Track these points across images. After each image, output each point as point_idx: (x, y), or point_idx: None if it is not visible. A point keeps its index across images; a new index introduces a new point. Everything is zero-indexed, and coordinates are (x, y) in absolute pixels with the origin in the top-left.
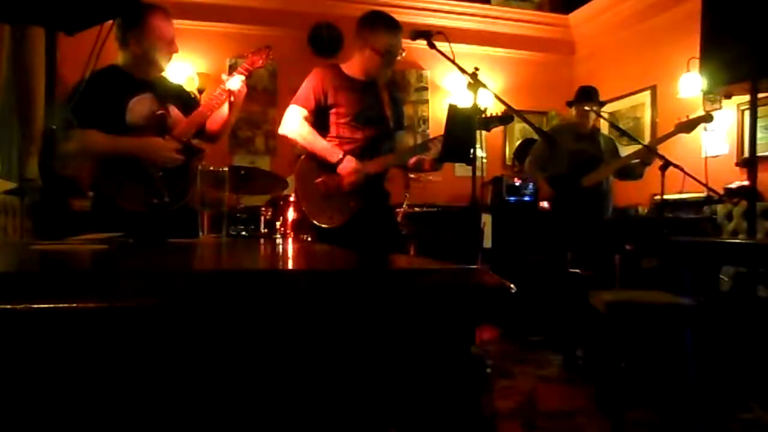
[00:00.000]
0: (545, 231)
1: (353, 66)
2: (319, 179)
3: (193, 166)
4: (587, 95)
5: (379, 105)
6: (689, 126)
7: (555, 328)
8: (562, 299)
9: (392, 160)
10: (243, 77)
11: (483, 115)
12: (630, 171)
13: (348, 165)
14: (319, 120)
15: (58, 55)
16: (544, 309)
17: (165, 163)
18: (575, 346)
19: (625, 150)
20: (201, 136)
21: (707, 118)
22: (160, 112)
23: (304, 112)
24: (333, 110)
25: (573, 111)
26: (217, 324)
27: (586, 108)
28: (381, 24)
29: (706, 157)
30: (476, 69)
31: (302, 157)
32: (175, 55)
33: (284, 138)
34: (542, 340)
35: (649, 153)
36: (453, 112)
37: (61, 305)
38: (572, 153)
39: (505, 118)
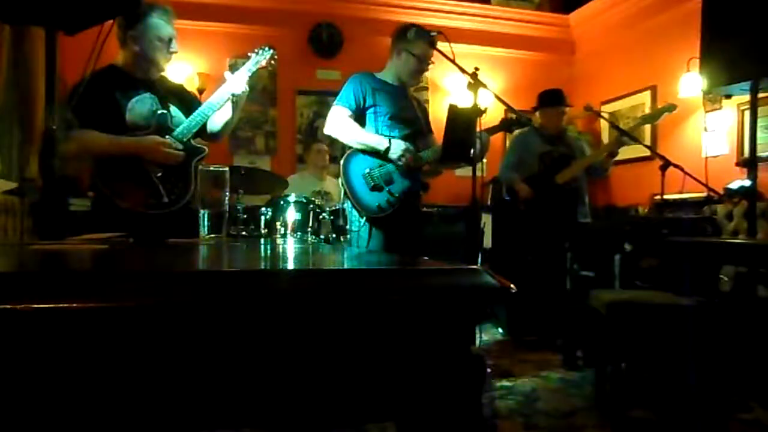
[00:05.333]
0: (523, 231)
1: (387, 73)
2: (367, 171)
3: (193, 166)
4: (554, 99)
5: (411, 107)
6: (653, 117)
7: (555, 328)
8: (563, 299)
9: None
10: (246, 78)
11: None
12: (597, 167)
13: (398, 146)
14: (357, 121)
15: (58, 55)
16: (544, 309)
17: (165, 160)
18: (575, 346)
19: (625, 150)
20: (203, 135)
21: (670, 107)
22: (160, 111)
23: (348, 112)
24: (371, 110)
25: (537, 115)
26: (218, 323)
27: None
28: (421, 33)
29: (706, 157)
30: (476, 69)
31: (348, 152)
32: (175, 55)
33: (330, 137)
34: (542, 340)
35: (616, 143)
36: (453, 113)
37: (61, 305)
38: (542, 155)
39: (520, 122)
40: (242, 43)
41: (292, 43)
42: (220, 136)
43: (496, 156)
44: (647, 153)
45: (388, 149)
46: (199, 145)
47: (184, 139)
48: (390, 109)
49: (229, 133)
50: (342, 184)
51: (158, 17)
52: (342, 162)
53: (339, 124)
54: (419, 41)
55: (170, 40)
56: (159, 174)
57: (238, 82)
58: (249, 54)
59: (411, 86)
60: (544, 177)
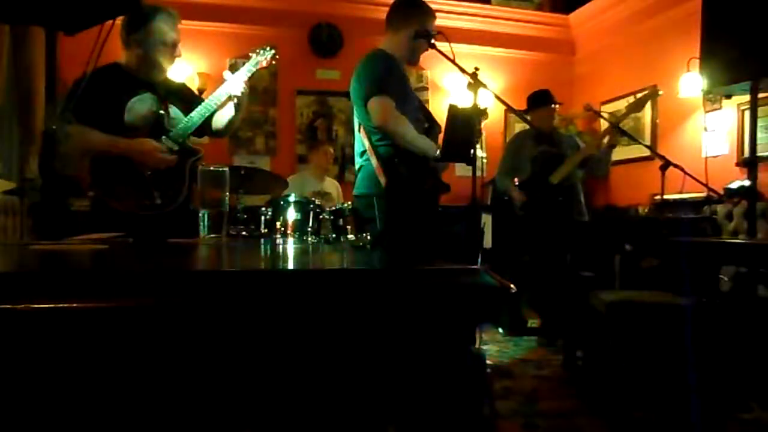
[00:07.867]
0: (522, 234)
1: (396, 53)
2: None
3: (188, 167)
4: (543, 99)
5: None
6: (638, 105)
7: (555, 328)
8: (562, 299)
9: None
10: (245, 79)
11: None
12: (595, 162)
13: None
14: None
15: (58, 55)
16: (544, 309)
17: (157, 165)
18: (575, 346)
19: (625, 150)
20: (207, 132)
21: (653, 93)
22: (159, 112)
23: (394, 104)
24: (401, 103)
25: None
26: (217, 324)
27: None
28: (426, 6)
29: (706, 157)
30: (476, 69)
31: (394, 147)
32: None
33: (383, 132)
34: (541, 340)
35: (605, 135)
36: (453, 113)
37: (61, 305)
38: (535, 156)
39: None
40: (242, 43)
41: (292, 43)
42: (224, 134)
43: (496, 156)
44: (647, 153)
45: (435, 158)
46: (194, 147)
47: (180, 140)
48: (414, 104)
49: (233, 131)
50: (400, 180)
51: (163, 22)
52: (396, 159)
53: (395, 119)
54: (430, 15)
55: (174, 45)
56: (150, 175)
57: (236, 83)
58: (249, 54)
59: (411, 65)
60: (538, 178)
